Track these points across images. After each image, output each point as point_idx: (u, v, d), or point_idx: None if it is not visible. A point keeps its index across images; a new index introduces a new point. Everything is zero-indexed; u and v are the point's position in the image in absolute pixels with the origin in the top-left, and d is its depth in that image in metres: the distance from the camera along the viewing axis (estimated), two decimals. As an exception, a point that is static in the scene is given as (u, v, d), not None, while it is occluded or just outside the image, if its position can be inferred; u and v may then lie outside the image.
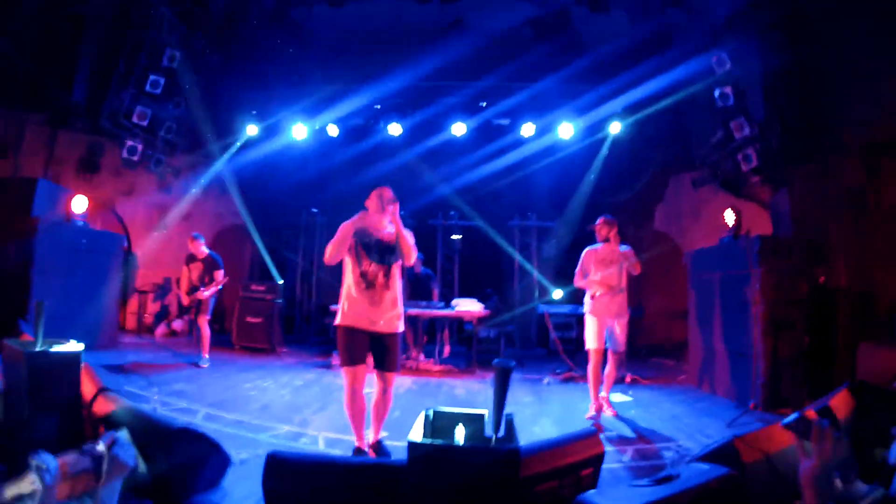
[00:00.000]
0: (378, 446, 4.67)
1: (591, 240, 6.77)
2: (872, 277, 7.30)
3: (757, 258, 6.93)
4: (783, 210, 8.64)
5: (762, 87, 8.89)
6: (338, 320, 4.56)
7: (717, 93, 9.13)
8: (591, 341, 6.43)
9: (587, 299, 6.56)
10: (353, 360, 4.41)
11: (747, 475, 3.12)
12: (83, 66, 10.47)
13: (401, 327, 4.63)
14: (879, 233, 7.34)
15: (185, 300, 9.02)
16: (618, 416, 6.47)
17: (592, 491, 2.90)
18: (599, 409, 6.39)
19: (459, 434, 2.66)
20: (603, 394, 6.57)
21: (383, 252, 4.54)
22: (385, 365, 4.52)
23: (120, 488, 2.44)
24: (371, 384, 4.57)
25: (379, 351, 4.52)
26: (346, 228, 4.49)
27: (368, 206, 4.63)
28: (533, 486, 3.02)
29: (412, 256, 4.55)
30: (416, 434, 2.56)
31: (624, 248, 6.56)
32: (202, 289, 8.85)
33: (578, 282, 6.66)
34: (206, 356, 8.83)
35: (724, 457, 3.30)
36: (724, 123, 9.23)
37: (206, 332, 8.87)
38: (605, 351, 6.41)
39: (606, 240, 6.58)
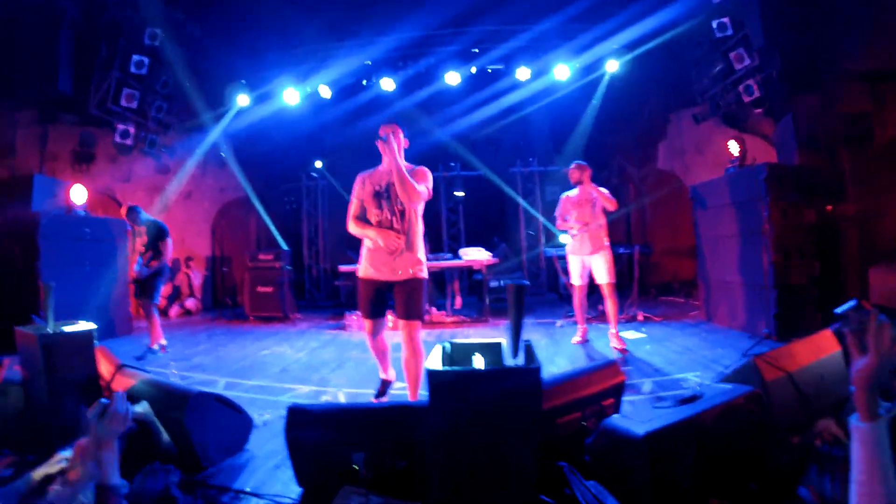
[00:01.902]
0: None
1: (596, 181, 7.00)
2: (879, 204, 7.24)
3: (764, 186, 6.85)
4: (787, 140, 8.50)
5: (760, 15, 8.67)
6: (359, 272, 4.46)
7: (714, 24, 8.91)
8: (574, 277, 7.19)
9: (567, 240, 7.22)
10: (371, 312, 4.34)
11: (769, 393, 3.12)
12: (64, 56, 10.27)
13: (422, 273, 4.35)
14: (884, 160, 7.26)
15: (130, 277, 7.87)
16: (629, 354, 6.49)
17: (616, 415, 2.90)
18: (585, 334, 7.35)
19: (478, 362, 2.65)
20: (612, 329, 6.92)
21: (395, 197, 4.28)
22: (406, 313, 4.22)
23: (118, 446, 2.42)
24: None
25: (400, 299, 4.27)
26: (356, 187, 4.46)
27: (379, 146, 4.33)
28: (555, 418, 3.02)
29: (414, 196, 4.18)
30: (435, 363, 2.54)
31: (598, 189, 6.93)
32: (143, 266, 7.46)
33: (560, 224, 7.26)
34: (155, 346, 7.47)
35: (746, 376, 3.30)
36: (723, 55, 9.04)
37: (153, 319, 7.48)
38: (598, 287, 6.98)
39: (579, 182, 7.07)
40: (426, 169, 4.41)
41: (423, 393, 3.93)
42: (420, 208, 4.41)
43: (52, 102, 10.33)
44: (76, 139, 10.77)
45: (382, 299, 4.36)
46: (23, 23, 9.93)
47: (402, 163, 4.22)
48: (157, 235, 7.50)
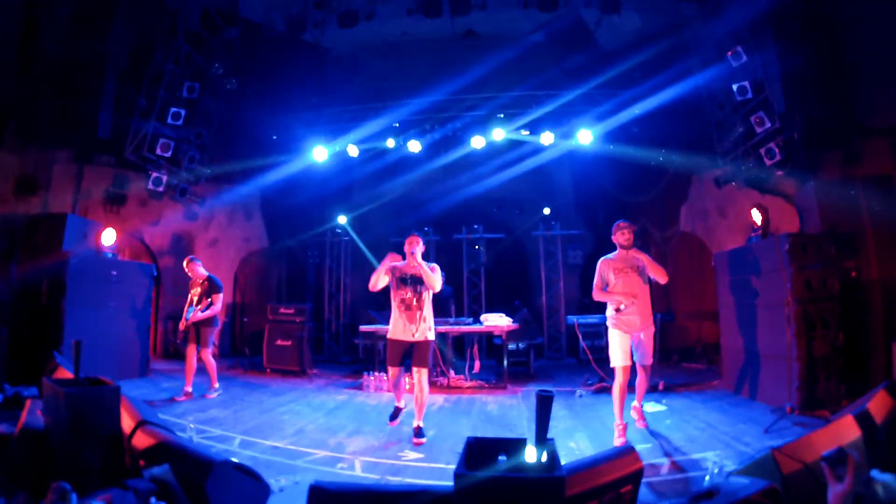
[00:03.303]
0: (417, 430, 6.04)
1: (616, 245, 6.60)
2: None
3: (787, 257, 6.87)
4: (809, 203, 8.51)
5: (781, 78, 8.79)
6: (388, 335, 6.30)
7: (735, 87, 9.04)
8: (616, 358, 6.05)
9: (610, 313, 6.16)
10: (395, 362, 6.21)
11: (788, 486, 3.08)
12: (106, 103, 10.76)
13: (431, 336, 6.26)
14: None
15: (182, 324, 8.23)
16: (649, 429, 6.25)
17: (633, 511, 2.88)
18: (623, 430, 5.91)
19: (502, 463, 2.67)
20: (635, 403, 6.44)
21: (415, 283, 6.22)
22: (417, 362, 6.15)
23: None
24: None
25: (414, 354, 6.16)
26: (384, 265, 6.17)
27: (405, 251, 6.20)
28: (574, 506, 3.00)
29: (436, 285, 6.18)
30: (460, 465, 2.57)
31: (646, 256, 6.12)
32: (195, 311, 8.15)
33: (598, 295, 6.24)
34: (216, 385, 8.39)
35: (763, 468, 3.27)
36: (743, 118, 9.15)
37: (209, 362, 8.31)
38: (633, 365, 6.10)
39: (625, 246, 6.17)
40: (437, 266, 6.30)
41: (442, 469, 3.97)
42: (431, 293, 6.30)
43: (91, 143, 10.71)
44: (110, 180, 11.10)
45: (403, 351, 6.19)
46: (72, 68, 10.36)
47: (423, 265, 6.12)
48: (212, 289, 8.30)
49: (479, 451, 2.83)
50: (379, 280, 6.13)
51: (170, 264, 12.38)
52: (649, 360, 6.19)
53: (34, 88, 10.30)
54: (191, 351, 8.19)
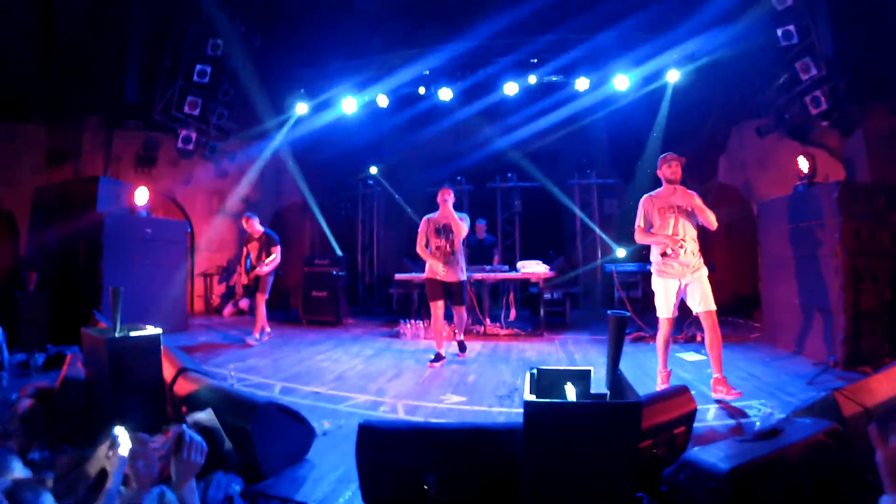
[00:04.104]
0: (461, 344, 7.62)
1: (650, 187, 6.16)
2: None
3: (836, 206, 6.54)
4: (857, 155, 8.19)
5: (829, 23, 8.40)
6: (426, 275, 7.30)
7: (779, 32, 8.65)
8: (662, 309, 5.50)
9: (655, 258, 5.52)
10: (434, 297, 7.19)
11: (849, 428, 2.98)
12: (132, 66, 10.72)
13: (462, 277, 7.23)
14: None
15: (244, 279, 8.88)
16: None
17: (698, 448, 2.79)
18: (667, 378, 5.58)
19: (570, 392, 2.56)
20: (717, 374, 5.37)
21: (447, 231, 7.14)
22: (456, 301, 7.26)
23: (195, 486, 2.45)
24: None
25: (449, 293, 7.20)
26: (422, 225, 7.24)
27: (438, 201, 7.13)
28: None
29: (462, 233, 7.14)
30: (528, 394, 2.48)
31: (697, 197, 5.61)
32: (260, 265, 8.66)
33: (640, 236, 5.58)
34: (257, 335, 8.73)
35: (824, 410, 3.18)
36: (788, 64, 8.78)
37: (262, 310, 8.78)
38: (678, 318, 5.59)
39: (672, 181, 5.58)
40: (466, 216, 7.28)
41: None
42: (462, 238, 7.22)
43: (119, 109, 10.69)
44: (140, 143, 11.12)
45: (439, 288, 7.16)
46: (94, 36, 10.32)
47: (454, 214, 7.09)
48: (269, 242, 8.82)
49: (545, 382, 2.74)
50: (421, 241, 7.17)
51: (202, 222, 12.44)
52: (712, 305, 5.36)
53: (58, 58, 10.34)
54: (260, 299, 8.75)
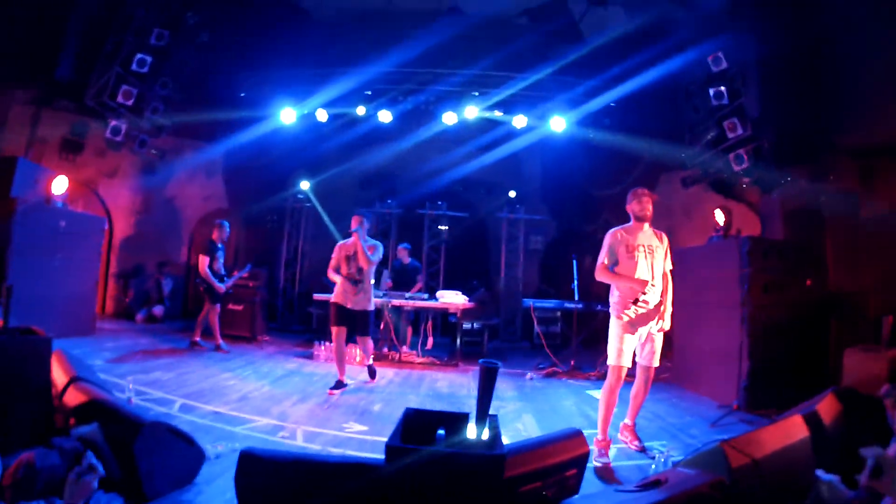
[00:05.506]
0: (371, 369, 7.62)
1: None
2: (860, 283, 7.27)
3: (747, 258, 6.89)
4: (773, 212, 8.59)
5: (759, 86, 8.82)
6: (332, 299, 7.13)
7: (711, 91, 9.04)
8: (615, 356, 4.88)
9: (615, 300, 4.99)
10: (337, 321, 7.03)
11: (735, 479, 3.06)
12: (70, 44, 10.21)
13: (369, 307, 7.16)
14: (869, 239, 7.30)
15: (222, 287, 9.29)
16: (644, 450, 5.04)
17: (579, 496, 2.82)
18: (606, 447, 4.82)
19: (441, 438, 2.55)
20: (627, 421, 5.26)
21: (356, 260, 7.04)
22: (360, 332, 7.20)
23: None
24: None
25: (353, 322, 7.06)
26: (335, 251, 7.22)
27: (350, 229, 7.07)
28: (516, 486, 2.93)
29: (369, 263, 7.00)
30: (394, 437, 2.46)
31: (660, 233, 5.26)
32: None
33: (603, 274, 5.00)
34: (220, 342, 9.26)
35: (711, 461, 3.24)
36: (718, 122, 9.14)
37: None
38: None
39: (639, 218, 5.13)
40: (378, 244, 7.18)
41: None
42: (372, 268, 7.15)
43: (51, 85, 10.20)
44: (68, 126, 10.57)
45: (344, 315, 7.03)
46: (35, 5, 9.81)
47: (364, 244, 6.95)
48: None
49: (417, 424, 2.73)
50: (332, 265, 7.17)
51: (124, 220, 12.02)
52: (656, 362, 5.00)
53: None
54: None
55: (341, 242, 7.29)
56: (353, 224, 7.02)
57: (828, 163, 8.09)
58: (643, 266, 4.93)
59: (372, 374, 7.60)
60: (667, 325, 4.97)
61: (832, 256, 7.74)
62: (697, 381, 7.99)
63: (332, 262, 7.18)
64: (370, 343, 7.54)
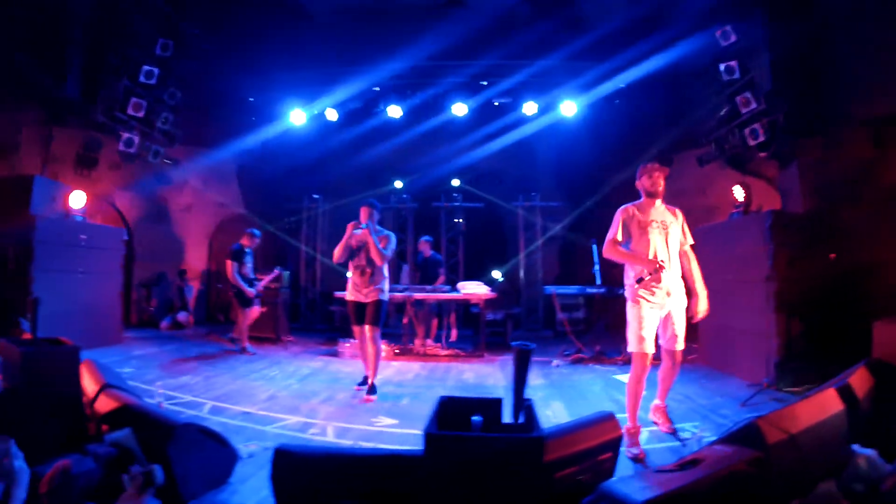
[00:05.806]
0: (371, 387, 6.47)
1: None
2: (883, 253, 7.15)
3: (769, 234, 6.79)
4: (792, 186, 8.47)
5: (769, 60, 8.71)
6: (346, 297, 6.80)
7: (722, 67, 8.95)
8: (636, 342, 4.61)
9: (629, 281, 4.73)
10: (355, 320, 6.65)
11: (771, 455, 3.02)
12: (74, 61, 10.33)
13: (383, 297, 6.59)
14: (888, 206, 7.18)
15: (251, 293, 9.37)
16: (674, 431, 4.96)
17: (616, 478, 2.79)
18: (637, 434, 4.59)
19: (477, 424, 2.54)
20: (658, 402, 5.09)
21: (367, 250, 6.57)
22: (368, 320, 6.50)
23: None
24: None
25: (366, 313, 6.52)
26: (345, 240, 6.56)
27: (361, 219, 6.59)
28: (553, 472, 2.90)
29: (377, 256, 6.47)
30: (431, 424, 2.44)
31: (673, 208, 4.95)
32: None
33: (611, 251, 4.72)
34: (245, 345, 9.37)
35: (747, 438, 3.20)
36: (729, 98, 9.07)
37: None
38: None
39: (650, 193, 4.82)
40: (390, 234, 6.70)
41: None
42: (386, 261, 6.63)
43: (60, 104, 10.31)
44: (81, 143, 10.66)
45: (360, 310, 6.57)
46: (36, 22, 9.90)
47: (374, 237, 6.47)
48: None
49: (451, 412, 2.71)
50: (342, 253, 6.60)
51: (143, 230, 12.11)
52: (681, 345, 4.73)
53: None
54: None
55: (354, 223, 6.56)
56: (363, 217, 6.50)
57: (843, 133, 7.97)
58: (658, 243, 4.65)
59: (372, 391, 6.43)
60: (703, 306, 4.79)
61: (855, 228, 7.62)
62: (725, 360, 7.90)
63: (343, 241, 6.53)
64: (380, 344, 6.67)
